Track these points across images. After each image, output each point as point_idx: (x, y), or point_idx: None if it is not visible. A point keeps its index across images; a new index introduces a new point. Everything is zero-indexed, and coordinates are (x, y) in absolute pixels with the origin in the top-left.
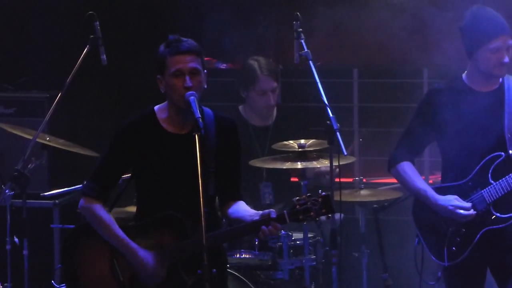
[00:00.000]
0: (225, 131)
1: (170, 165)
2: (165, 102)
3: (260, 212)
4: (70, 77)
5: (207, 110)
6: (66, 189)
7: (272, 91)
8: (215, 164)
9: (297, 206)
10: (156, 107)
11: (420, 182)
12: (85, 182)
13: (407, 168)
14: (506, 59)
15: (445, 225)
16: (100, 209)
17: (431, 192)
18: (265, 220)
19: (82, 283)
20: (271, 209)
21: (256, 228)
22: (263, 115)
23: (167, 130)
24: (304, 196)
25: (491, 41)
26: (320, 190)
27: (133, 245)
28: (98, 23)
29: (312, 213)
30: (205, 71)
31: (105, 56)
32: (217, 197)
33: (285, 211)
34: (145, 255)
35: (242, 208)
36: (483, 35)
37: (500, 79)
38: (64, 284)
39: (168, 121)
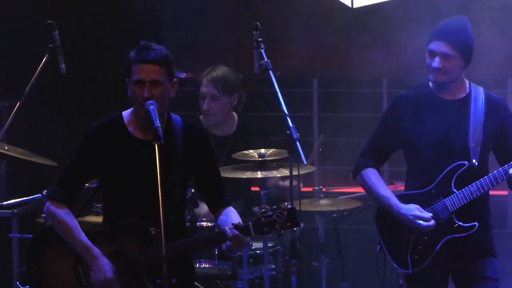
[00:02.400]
0: (193, 138)
1: (135, 171)
2: (133, 107)
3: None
4: (29, 86)
5: (176, 117)
6: (25, 198)
7: (211, 98)
8: (183, 172)
9: (262, 219)
10: (123, 112)
11: (384, 189)
12: (51, 186)
13: (372, 175)
14: (433, 63)
15: (407, 233)
16: (65, 214)
17: (394, 200)
18: (229, 229)
19: (46, 287)
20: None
21: (220, 239)
22: (212, 122)
23: (133, 135)
24: (267, 206)
25: (429, 44)
26: (286, 203)
27: (96, 251)
28: (57, 32)
29: (277, 226)
30: (175, 80)
31: (64, 65)
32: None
33: (250, 223)
34: (105, 263)
35: (227, 220)
36: (428, 39)
37: (467, 89)
38: (28, 287)
39: (134, 126)
